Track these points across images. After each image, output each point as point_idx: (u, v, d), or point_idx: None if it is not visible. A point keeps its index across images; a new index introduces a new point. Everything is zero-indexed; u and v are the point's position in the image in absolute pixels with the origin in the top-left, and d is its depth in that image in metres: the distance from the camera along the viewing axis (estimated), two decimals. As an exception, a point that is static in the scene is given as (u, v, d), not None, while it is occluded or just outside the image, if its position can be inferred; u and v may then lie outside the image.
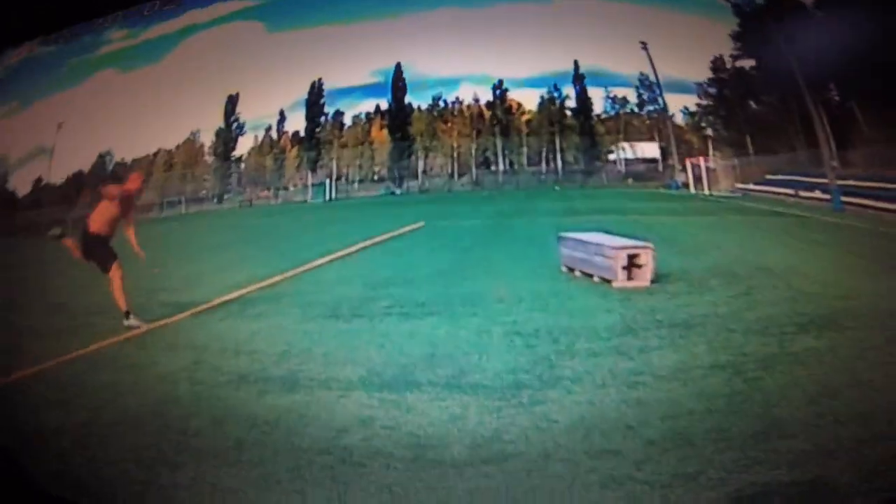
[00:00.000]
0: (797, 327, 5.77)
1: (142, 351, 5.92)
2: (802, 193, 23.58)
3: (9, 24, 9.92)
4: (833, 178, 22.13)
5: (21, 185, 24.54)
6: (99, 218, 6.66)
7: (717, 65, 35.03)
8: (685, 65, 34.42)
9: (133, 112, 32.11)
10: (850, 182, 21.75)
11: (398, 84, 39.40)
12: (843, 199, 19.81)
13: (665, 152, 34.36)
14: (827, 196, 21.46)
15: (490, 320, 6.55)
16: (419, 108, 39.44)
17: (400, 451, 3.60)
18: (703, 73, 35.07)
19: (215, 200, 38.02)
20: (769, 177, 28.41)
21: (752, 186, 28.85)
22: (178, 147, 37.28)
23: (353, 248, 13.01)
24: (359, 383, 4.74)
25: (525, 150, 38.52)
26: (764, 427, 3.63)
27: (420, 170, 38.91)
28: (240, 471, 3.39)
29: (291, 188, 39.21)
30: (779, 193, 25.80)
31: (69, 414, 4.27)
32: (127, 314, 6.77)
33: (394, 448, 3.64)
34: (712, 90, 35.05)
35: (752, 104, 32.84)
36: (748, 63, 33.06)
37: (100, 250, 6.67)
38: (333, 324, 6.67)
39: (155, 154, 36.64)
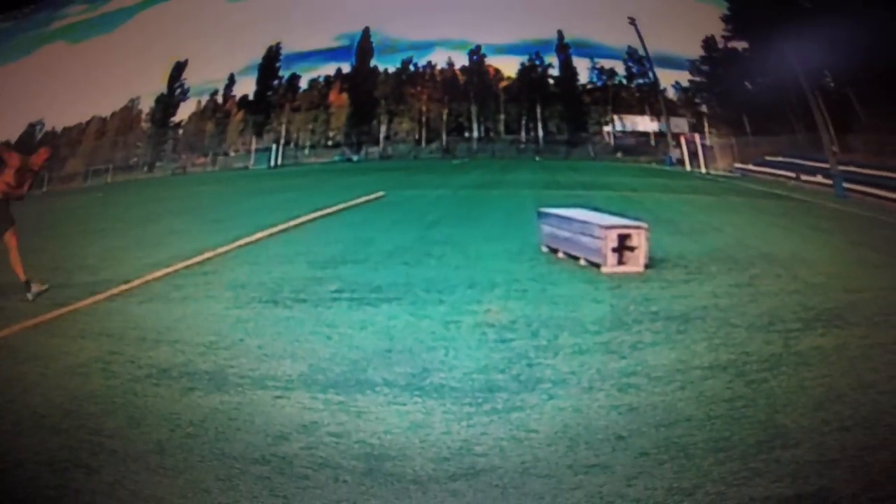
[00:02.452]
0: (803, 323, 5.88)
1: (51, 339, 5.64)
2: (804, 177, 24.59)
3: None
4: (834, 164, 23.11)
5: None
6: None
7: (708, 44, 36.28)
8: (675, 42, 35.67)
9: (76, 83, 32.56)
10: (852, 168, 22.75)
11: (364, 47, 38.93)
12: (845, 185, 20.77)
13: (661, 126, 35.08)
14: (828, 181, 22.37)
15: (458, 309, 6.42)
16: (386, 71, 39.09)
17: (349, 463, 3.44)
18: (695, 51, 36.32)
19: (146, 168, 37.25)
20: (769, 158, 29.48)
21: (751, 167, 29.97)
22: (112, 114, 36.69)
23: (298, 221, 12.65)
24: (300, 382, 4.55)
25: (503, 116, 38.61)
26: (767, 436, 3.60)
27: (382, 135, 38.65)
28: (163, 478, 3.27)
29: (232, 154, 38.67)
30: (779, 176, 26.84)
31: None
32: (27, 284, 6.97)
33: (342, 459, 3.48)
34: (705, 68, 36.23)
35: (748, 84, 34.14)
36: (741, 45, 34.55)
37: None
38: (271, 310, 6.48)
39: (88, 122, 36.03)
